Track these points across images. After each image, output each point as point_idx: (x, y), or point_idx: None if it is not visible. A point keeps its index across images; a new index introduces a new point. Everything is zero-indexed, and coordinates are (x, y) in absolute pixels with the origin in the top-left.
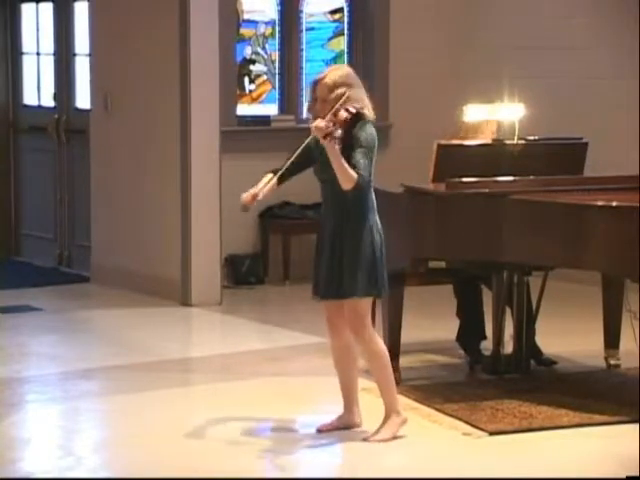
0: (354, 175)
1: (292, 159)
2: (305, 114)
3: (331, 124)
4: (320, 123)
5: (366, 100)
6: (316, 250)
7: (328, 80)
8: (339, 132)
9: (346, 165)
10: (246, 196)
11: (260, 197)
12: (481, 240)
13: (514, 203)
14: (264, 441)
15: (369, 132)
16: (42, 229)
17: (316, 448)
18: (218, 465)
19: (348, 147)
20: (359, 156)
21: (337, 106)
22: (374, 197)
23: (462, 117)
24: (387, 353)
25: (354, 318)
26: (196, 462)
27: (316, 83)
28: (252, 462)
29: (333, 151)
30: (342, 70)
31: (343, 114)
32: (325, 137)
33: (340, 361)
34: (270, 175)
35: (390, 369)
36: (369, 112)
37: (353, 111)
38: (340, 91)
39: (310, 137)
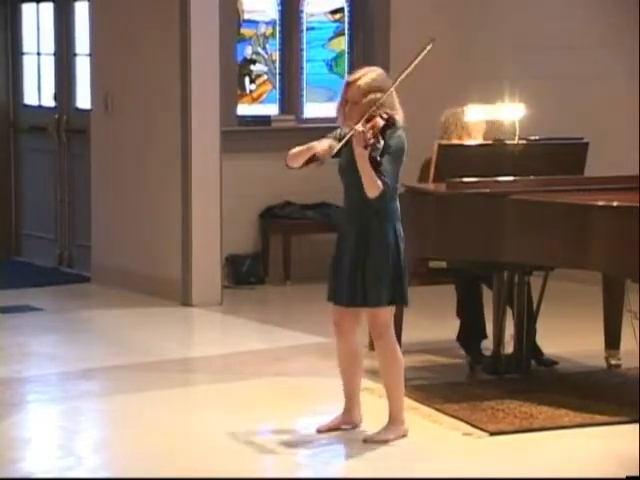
0: (379, 184)
1: (345, 139)
2: (335, 114)
3: (370, 133)
4: (360, 128)
5: (397, 105)
6: (336, 253)
7: (362, 83)
8: (381, 143)
9: (373, 174)
10: (323, 149)
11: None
12: (482, 240)
13: (515, 203)
14: (264, 441)
15: (400, 139)
16: (42, 229)
17: (316, 448)
18: (218, 465)
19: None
20: (387, 163)
21: (370, 112)
22: (398, 204)
23: (451, 122)
24: (402, 362)
25: (378, 325)
26: (196, 462)
27: (348, 85)
28: (252, 462)
29: (364, 160)
30: (376, 73)
31: (380, 122)
32: (366, 147)
33: (346, 365)
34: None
35: (403, 380)
36: (400, 118)
37: (386, 117)
38: (374, 96)
39: (337, 132)
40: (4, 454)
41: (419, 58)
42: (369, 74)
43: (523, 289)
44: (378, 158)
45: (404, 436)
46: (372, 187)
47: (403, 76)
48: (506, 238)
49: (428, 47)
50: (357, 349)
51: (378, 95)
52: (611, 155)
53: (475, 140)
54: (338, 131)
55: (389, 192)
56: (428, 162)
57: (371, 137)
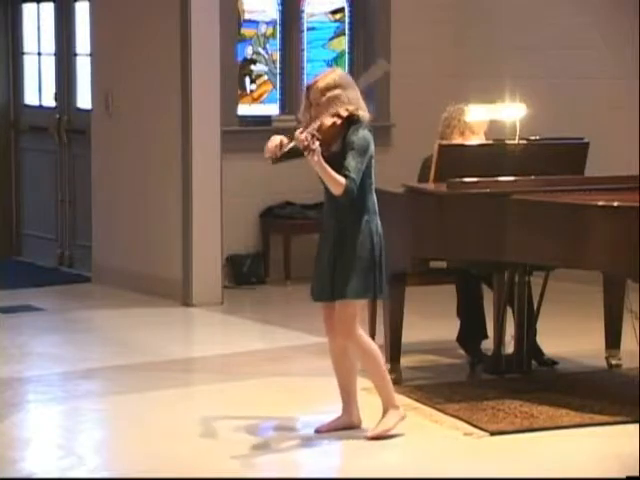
0: (342, 180)
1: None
2: (300, 117)
3: (310, 136)
4: (301, 135)
5: (360, 101)
6: (317, 251)
7: (320, 84)
8: (317, 144)
9: (332, 172)
10: (271, 146)
11: (285, 149)
12: (482, 240)
13: (515, 203)
14: (264, 441)
15: (362, 135)
16: (43, 229)
17: (316, 448)
18: (218, 465)
19: (343, 150)
20: (350, 159)
21: (331, 110)
22: (375, 199)
23: (454, 117)
24: (377, 350)
25: (342, 320)
26: (196, 462)
27: (309, 89)
28: (252, 462)
29: (314, 162)
30: (333, 73)
31: (328, 120)
32: (304, 149)
33: (338, 363)
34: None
35: (382, 365)
36: (364, 113)
37: (344, 114)
38: (332, 94)
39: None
40: (4, 454)
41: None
42: (328, 75)
43: (523, 289)
44: (318, 157)
45: (402, 419)
46: (334, 186)
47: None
48: (506, 238)
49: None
50: (349, 347)
51: (336, 92)
52: (611, 155)
53: (477, 136)
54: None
55: (354, 187)
56: (428, 160)
57: (308, 139)
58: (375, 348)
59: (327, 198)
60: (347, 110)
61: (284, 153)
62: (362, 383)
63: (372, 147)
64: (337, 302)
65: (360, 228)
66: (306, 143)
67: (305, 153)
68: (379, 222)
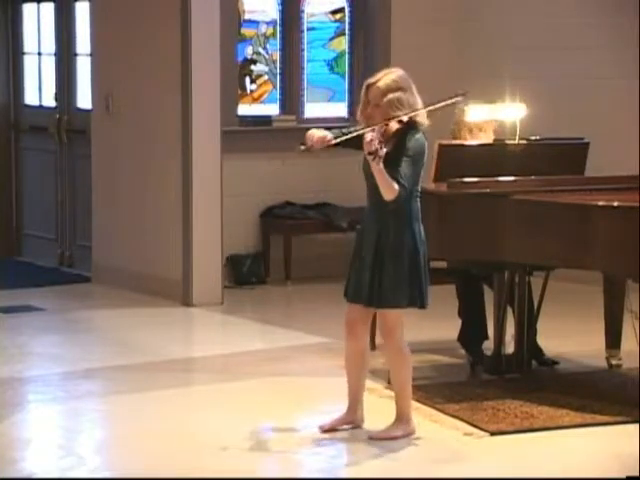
0: (396, 187)
1: (348, 136)
2: (357, 116)
3: (377, 141)
4: (372, 141)
5: (419, 105)
6: (355, 250)
7: (381, 84)
8: (384, 151)
9: (388, 178)
10: (318, 138)
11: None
12: (482, 240)
13: (515, 203)
14: (265, 441)
15: (419, 142)
16: (43, 229)
17: (317, 448)
18: (218, 465)
19: (397, 154)
20: (404, 166)
21: (391, 113)
22: (419, 206)
23: (462, 116)
24: (411, 361)
25: (387, 324)
26: (196, 462)
27: (368, 87)
28: (252, 462)
29: (376, 167)
30: (395, 74)
31: (393, 127)
32: (370, 154)
33: (352, 363)
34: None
35: (410, 380)
36: (422, 119)
37: (405, 119)
38: (393, 96)
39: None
40: (5, 454)
41: (443, 104)
42: (388, 75)
43: (524, 289)
44: (380, 166)
45: (411, 434)
46: (387, 191)
47: (423, 110)
48: (507, 238)
49: (456, 98)
50: (366, 348)
51: (397, 95)
52: (611, 155)
53: (486, 134)
54: (352, 128)
55: (404, 194)
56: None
57: (376, 145)
58: (410, 361)
59: (372, 202)
60: (407, 115)
61: (342, 142)
62: (366, 383)
63: (426, 155)
64: (379, 310)
65: (403, 234)
66: (374, 149)
67: (370, 158)
68: (422, 229)
